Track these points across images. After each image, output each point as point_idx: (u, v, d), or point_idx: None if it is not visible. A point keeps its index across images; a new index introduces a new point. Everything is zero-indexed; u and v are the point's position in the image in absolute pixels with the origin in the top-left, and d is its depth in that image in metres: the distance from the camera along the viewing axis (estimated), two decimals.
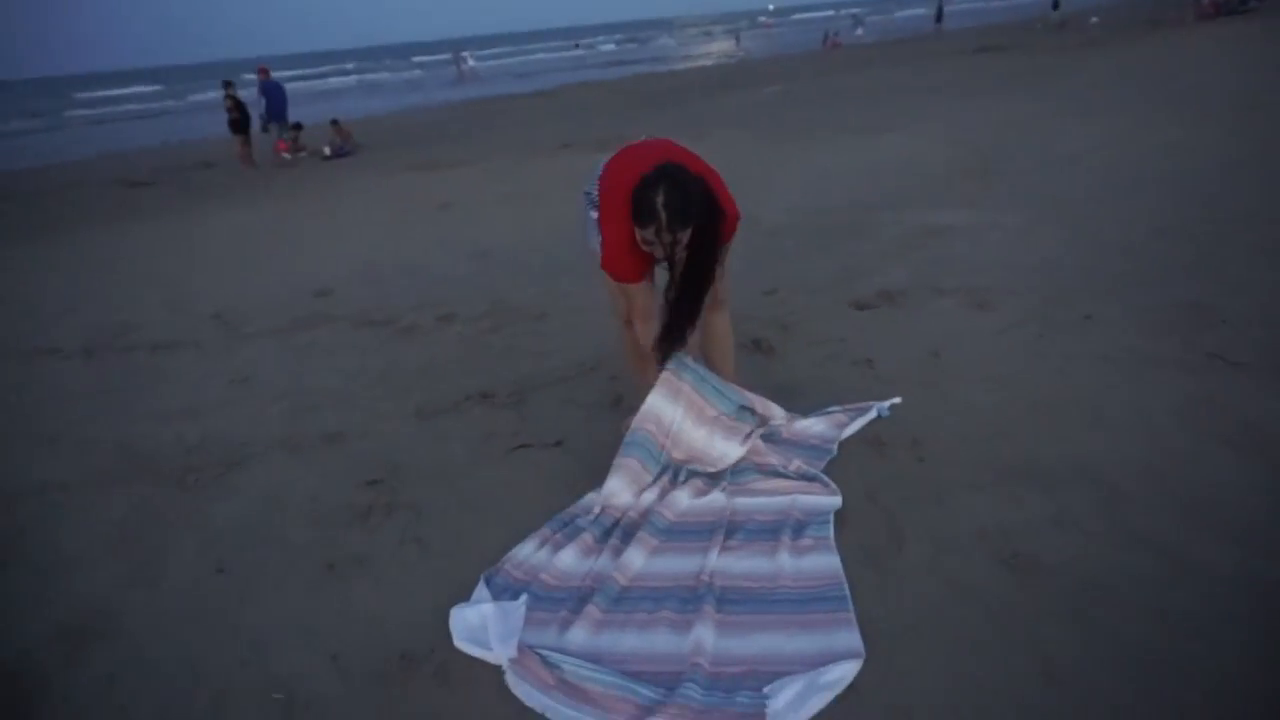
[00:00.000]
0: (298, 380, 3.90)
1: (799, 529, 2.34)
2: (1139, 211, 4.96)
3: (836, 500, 2.44)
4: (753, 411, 2.84)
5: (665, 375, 2.72)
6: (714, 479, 2.64)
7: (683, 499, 2.54)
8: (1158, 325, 3.37)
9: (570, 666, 1.90)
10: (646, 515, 2.48)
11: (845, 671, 1.83)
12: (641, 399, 2.72)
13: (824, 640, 1.94)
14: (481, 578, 2.26)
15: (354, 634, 2.14)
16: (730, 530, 2.39)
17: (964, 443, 2.69)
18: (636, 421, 2.69)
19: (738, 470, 2.66)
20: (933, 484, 2.49)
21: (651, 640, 2.02)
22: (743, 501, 2.52)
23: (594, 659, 1.96)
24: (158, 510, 2.84)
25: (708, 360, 2.91)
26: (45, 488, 3.10)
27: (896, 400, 2.96)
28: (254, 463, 3.12)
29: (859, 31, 32.33)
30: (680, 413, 2.71)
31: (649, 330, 2.63)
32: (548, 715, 1.82)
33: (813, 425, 2.87)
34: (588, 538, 2.41)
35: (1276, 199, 4.88)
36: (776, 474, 2.60)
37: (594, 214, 2.57)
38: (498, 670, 1.95)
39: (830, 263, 4.73)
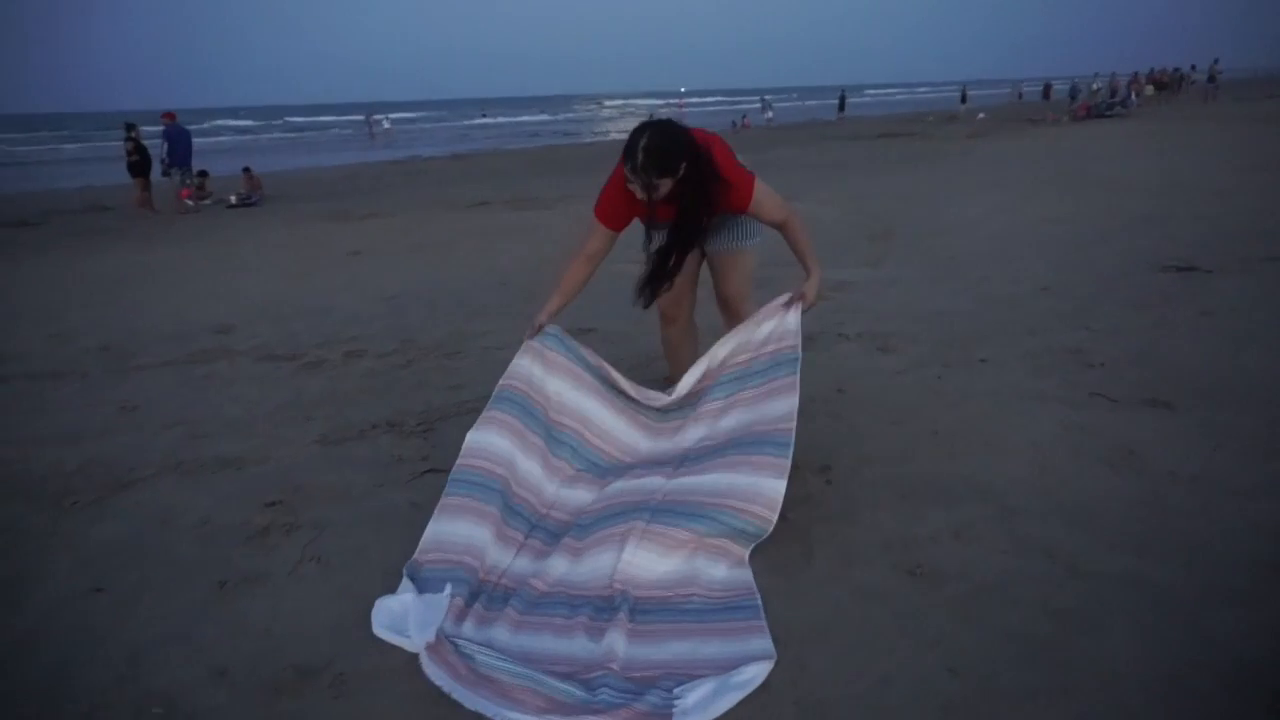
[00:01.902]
0: (192, 409, 3.72)
1: (733, 533, 2.26)
2: (1024, 271, 5.32)
3: (781, 484, 2.29)
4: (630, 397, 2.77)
5: (530, 345, 2.71)
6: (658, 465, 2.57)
7: (618, 485, 2.51)
8: (1043, 367, 3.59)
9: (483, 658, 1.88)
10: (577, 517, 2.45)
11: (756, 672, 1.83)
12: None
13: (737, 646, 1.94)
14: (405, 572, 2.23)
15: (244, 648, 2.01)
16: (656, 512, 2.30)
17: (869, 466, 2.77)
18: (503, 379, 2.66)
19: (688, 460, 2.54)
20: (840, 503, 2.55)
21: (569, 645, 2.00)
22: (683, 482, 2.41)
23: (508, 655, 1.94)
24: (29, 531, 2.64)
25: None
26: None
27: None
28: (140, 486, 2.94)
29: (768, 115, 33.81)
30: (562, 384, 2.70)
31: (575, 265, 2.75)
32: (454, 697, 1.79)
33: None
34: (514, 533, 2.40)
35: (1143, 263, 5.32)
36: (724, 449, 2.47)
37: None
38: (397, 680, 1.87)
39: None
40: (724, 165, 2.53)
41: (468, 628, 2.04)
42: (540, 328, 2.73)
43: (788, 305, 2.68)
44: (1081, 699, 1.70)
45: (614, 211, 2.64)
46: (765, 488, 2.28)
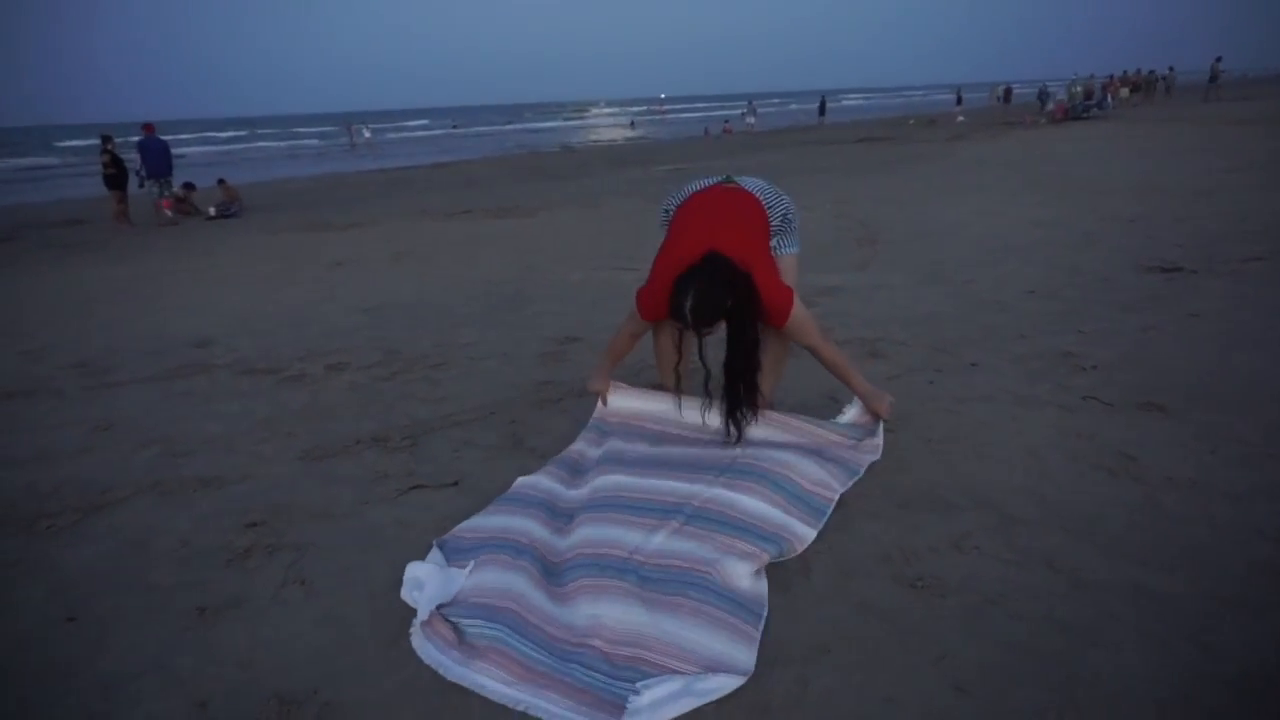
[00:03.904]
0: (171, 426, 3.63)
1: (758, 536, 2.27)
2: (1011, 274, 5.31)
3: (811, 534, 2.35)
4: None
5: (586, 434, 3.03)
6: (701, 470, 2.62)
7: (654, 482, 2.56)
8: (1035, 371, 3.56)
9: (473, 629, 1.99)
10: (610, 493, 2.53)
11: (723, 684, 1.80)
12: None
13: (721, 646, 1.91)
14: (434, 543, 2.40)
15: (225, 678, 1.93)
16: (690, 516, 2.35)
17: (864, 475, 2.72)
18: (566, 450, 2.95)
19: (733, 468, 2.60)
20: (837, 514, 2.49)
21: (570, 613, 2.04)
22: (722, 494, 2.45)
23: (513, 600, 2.10)
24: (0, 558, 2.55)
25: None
26: None
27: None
28: (116, 508, 2.85)
29: (750, 120, 33.97)
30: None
31: (623, 338, 2.98)
32: (440, 672, 1.88)
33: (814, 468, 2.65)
34: (556, 521, 2.48)
35: (1128, 264, 5.32)
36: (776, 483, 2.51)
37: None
38: (385, 709, 1.81)
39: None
40: (764, 288, 2.56)
41: (489, 574, 2.19)
42: (601, 393, 3.09)
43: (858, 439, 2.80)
44: (1093, 716, 1.66)
45: (655, 312, 2.75)
46: (798, 530, 2.37)
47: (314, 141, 45.18)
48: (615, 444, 2.87)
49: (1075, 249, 5.95)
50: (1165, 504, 2.42)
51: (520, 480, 2.74)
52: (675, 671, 1.83)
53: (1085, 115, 24.16)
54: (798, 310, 2.66)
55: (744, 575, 2.14)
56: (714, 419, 2.88)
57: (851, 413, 2.99)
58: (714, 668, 1.84)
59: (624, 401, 3.10)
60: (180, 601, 2.25)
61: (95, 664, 2.01)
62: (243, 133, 58.82)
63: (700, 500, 2.42)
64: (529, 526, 2.43)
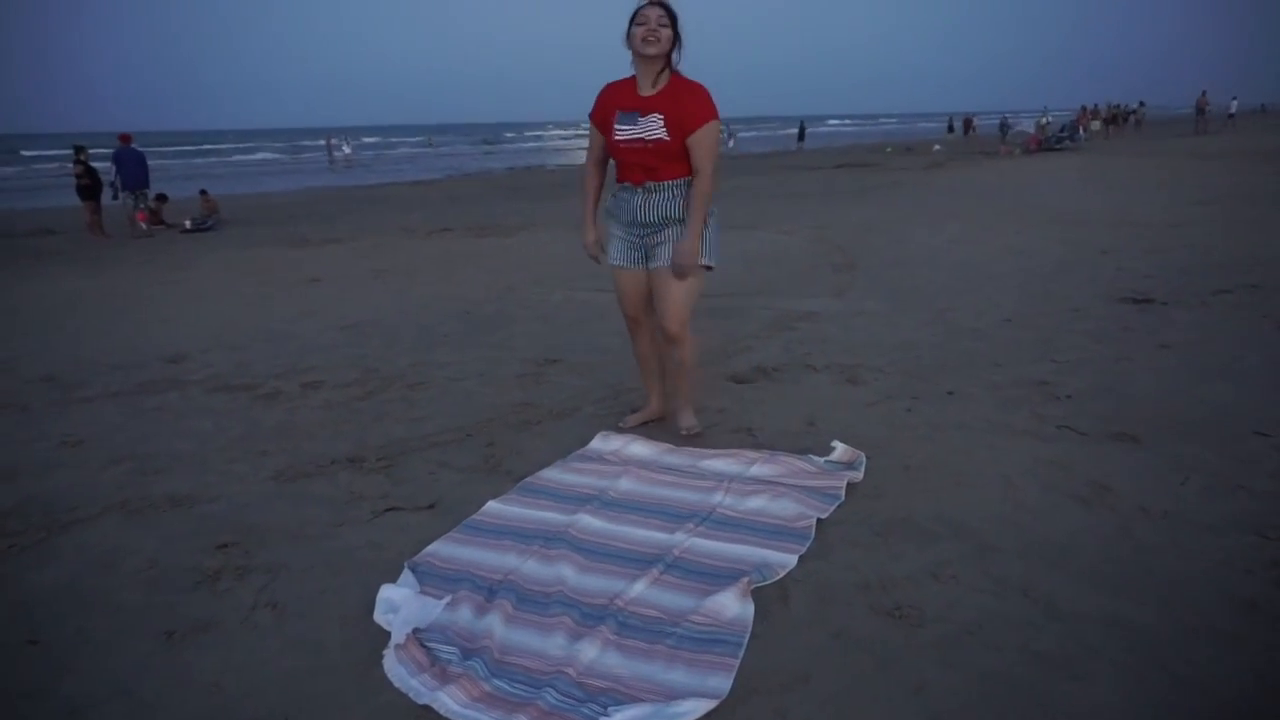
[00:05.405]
0: (141, 443, 3.56)
1: (738, 576, 2.29)
2: (987, 302, 5.38)
3: (792, 560, 2.38)
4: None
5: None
6: (680, 519, 2.65)
7: (636, 532, 2.59)
8: (1010, 399, 3.60)
9: (446, 655, 1.99)
10: (590, 537, 2.55)
11: (695, 707, 1.79)
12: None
13: (697, 679, 1.90)
14: (406, 565, 2.39)
15: (193, 705, 1.89)
16: (669, 565, 2.38)
17: (845, 501, 2.73)
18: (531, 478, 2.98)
19: (711, 519, 2.66)
20: (815, 542, 2.49)
21: (543, 641, 2.05)
22: (700, 544, 2.50)
23: (488, 638, 2.05)
24: None
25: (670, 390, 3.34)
26: None
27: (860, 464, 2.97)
28: (82, 527, 2.79)
29: (730, 144, 34.27)
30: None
31: (590, 172, 3.27)
32: (410, 696, 1.85)
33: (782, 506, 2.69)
34: (529, 547, 2.49)
35: (1100, 295, 5.41)
36: (749, 528, 2.58)
37: None
38: None
39: (707, 341, 4.83)
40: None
41: (465, 613, 2.15)
42: (595, 243, 3.28)
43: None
44: None
45: (598, 109, 3.11)
46: (778, 559, 2.40)
47: (293, 156, 44.95)
48: (597, 479, 2.93)
49: (1050, 278, 6.04)
50: (1139, 534, 2.45)
51: (491, 505, 2.77)
52: (647, 701, 1.83)
53: (1058, 147, 24.66)
54: (716, 127, 3.00)
55: (731, 604, 2.14)
56: (704, 462, 3.04)
57: (838, 451, 3.04)
58: (687, 696, 1.83)
59: (610, 444, 3.21)
60: (148, 625, 2.20)
61: (58, 689, 1.95)
62: (223, 145, 58.40)
63: (680, 550, 2.47)
64: (504, 560, 2.43)
